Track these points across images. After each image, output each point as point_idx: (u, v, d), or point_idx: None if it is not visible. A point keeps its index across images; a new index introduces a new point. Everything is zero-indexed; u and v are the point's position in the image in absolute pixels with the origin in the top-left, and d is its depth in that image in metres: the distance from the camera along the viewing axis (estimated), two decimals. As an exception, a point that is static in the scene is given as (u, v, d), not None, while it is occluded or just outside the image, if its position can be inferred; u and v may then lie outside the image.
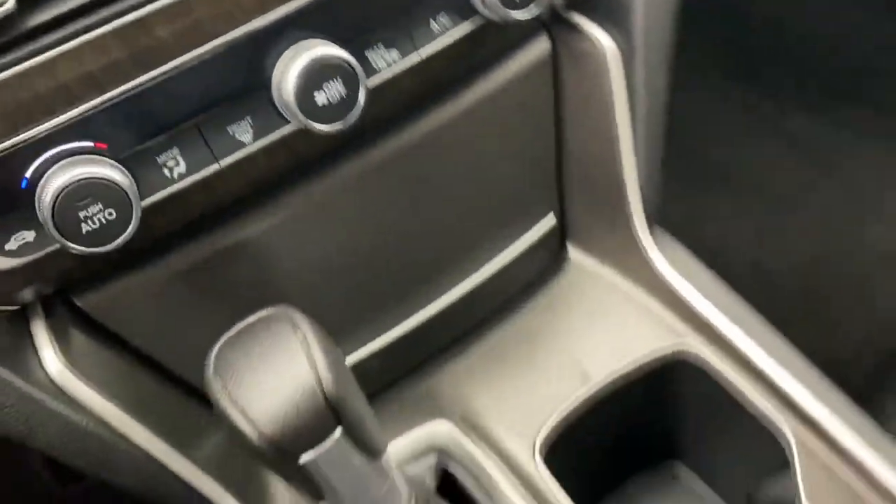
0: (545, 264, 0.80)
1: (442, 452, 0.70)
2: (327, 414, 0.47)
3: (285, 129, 0.54)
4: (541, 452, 0.69)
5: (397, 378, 0.75)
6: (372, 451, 0.52)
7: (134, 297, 0.58)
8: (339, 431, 0.48)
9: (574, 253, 0.82)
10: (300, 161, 0.58)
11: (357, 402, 0.50)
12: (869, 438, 0.67)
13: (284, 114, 0.53)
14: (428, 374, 0.76)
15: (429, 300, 0.73)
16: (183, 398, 0.65)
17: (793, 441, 0.67)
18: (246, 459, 0.70)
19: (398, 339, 0.71)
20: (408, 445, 0.69)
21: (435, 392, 0.74)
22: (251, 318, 0.49)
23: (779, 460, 0.69)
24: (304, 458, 0.48)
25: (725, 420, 0.75)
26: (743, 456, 0.76)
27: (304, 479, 0.49)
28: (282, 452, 0.46)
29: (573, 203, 0.80)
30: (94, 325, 0.58)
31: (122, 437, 0.59)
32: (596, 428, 0.75)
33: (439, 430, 0.70)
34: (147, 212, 0.50)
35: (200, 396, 0.66)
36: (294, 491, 0.70)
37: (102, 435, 0.58)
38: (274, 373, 0.47)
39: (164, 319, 0.60)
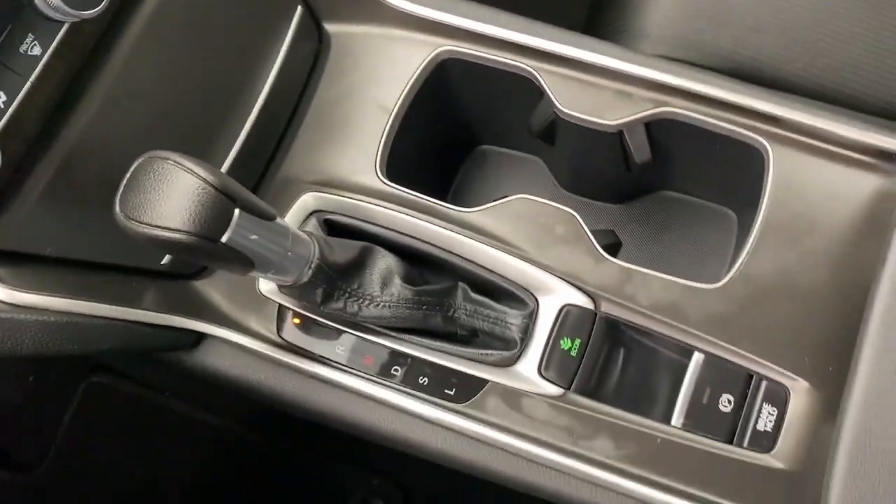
0: (314, 46, 0.97)
1: (317, 212, 0.89)
2: (223, 199, 0.64)
3: (63, 30, 0.66)
4: (383, 174, 0.90)
5: (255, 185, 0.92)
6: (267, 215, 0.70)
7: (25, 219, 0.70)
8: (237, 210, 0.65)
9: (331, 27, 0.98)
10: (89, 51, 0.70)
11: (239, 186, 0.67)
12: (592, 48, 0.91)
13: (56, 17, 0.64)
14: (275, 171, 0.93)
15: (244, 118, 0.88)
16: (111, 273, 0.80)
17: (537, 74, 0.90)
18: (181, 291, 0.88)
19: (237, 155, 0.87)
20: (294, 218, 0.88)
21: (287, 179, 0.92)
22: (128, 174, 0.64)
23: (537, 95, 0.93)
24: (224, 237, 0.65)
25: (494, 91, 0.98)
26: (515, 111, 0.99)
27: (232, 256, 0.67)
28: (206, 239, 0.63)
29: (309, -12, 0.95)
30: (11, 254, 0.71)
31: (86, 316, 0.74)
32: (414, 140, 0.96)
33: (306, 200, 0.89)
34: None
35: (121, 268, 0.82)
36: (229, 295, 0.89)
37: (69, 321, 0.73)
38: (168, 193, 0.62)
39: (60, 223, 0.73)
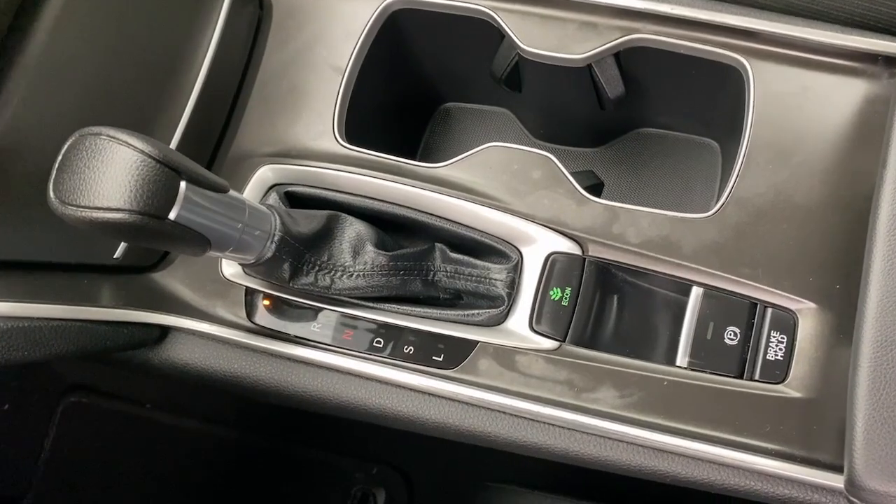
0: (255, 12, 0.90)
1: (277, 186, 0.83)
2: (166, 171, 0.58)
3: None
4: (342, 138, 0.84)
5: (208, 164, 0.85)
6: (218, 187, 0.64)
7: None
8: (183, 183, 0.60)
9: (272, -10, 0.92)
10: (4, 34, 0.64)
11: (184, 158, 0.61)
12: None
13: None
14: (228, 147, 0.86)
15: (187, 92, 0.82)
16: (60, 273, 0.74)
17: (494, 14, 0.84)
18: (139, 285, 0.82)
19: (184, 132, 0.80)
20: (252, 195, 0.82)
21: (241, 154, 0.86)
22: (59, 156, 0.58)
23: (497, 38, 0.88)
24: (172, 214, 0.59)
25: (451, 40, 0.93)
26: (476, 59, 0.94)
27: (184, 235, 0.61)
28: (152, 217, 0.57)
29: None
30: None
31: (33, 319, 0.68)
32: (372, 101, 0.91)
33: (263, 174, 0.83)
34: None
35: (71, 266, 0.75)
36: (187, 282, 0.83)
37: (14, 326, 0.67)
38: (104, 171, 0.56)
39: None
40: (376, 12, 0.87)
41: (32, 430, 1.51)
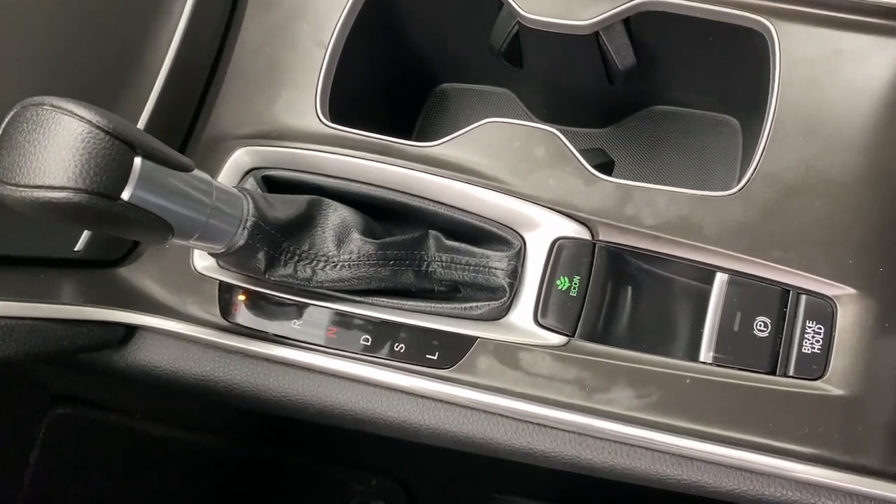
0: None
1: (254, 170, 0.76)
2: (117, 145, 0.51)
3: None
4: (326, 117, 0.77)
5: (180, 147, 0.78)
6: (180, 165, 0.57)
7: None
8: (138, 159, 0.53)
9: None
10: None
11: (140, 132, 0.54)
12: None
13: None
14: (202, 128, 0.79)
15: (156, 68, 0.74)
16: (18, 267, 0.67)
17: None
18: (103, 280, 0.74)
19: (153, 112, 0.74)
20: (228, 180, 0.75)
21: (216, 136, 0.78)
22: None
23: (496, 6, 0.81)
24: (125, 194, 0.52)
25: (445, 11, 0.86)
26: (473, 33, 0.87)
27: (142, 218, 0.54)
28: (102, 197, 0.50)
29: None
30: None
31: None
32: (360, 79, 0.83)
33: (239, 157, 0.76)
34: None
35: (24, 260, 0.68)
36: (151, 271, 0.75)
37: None
38: (47, 144, 0.50)
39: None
40: (359, -10, 0.80)
41: (16, 443, 1.44)
